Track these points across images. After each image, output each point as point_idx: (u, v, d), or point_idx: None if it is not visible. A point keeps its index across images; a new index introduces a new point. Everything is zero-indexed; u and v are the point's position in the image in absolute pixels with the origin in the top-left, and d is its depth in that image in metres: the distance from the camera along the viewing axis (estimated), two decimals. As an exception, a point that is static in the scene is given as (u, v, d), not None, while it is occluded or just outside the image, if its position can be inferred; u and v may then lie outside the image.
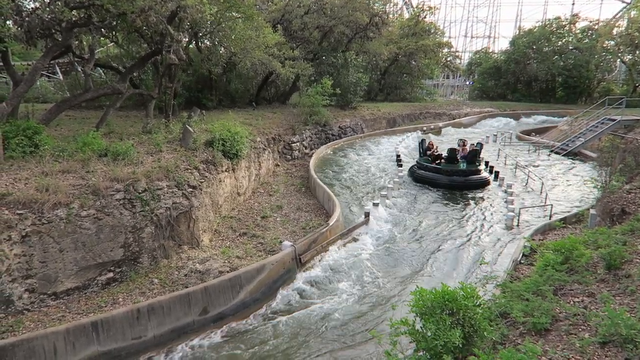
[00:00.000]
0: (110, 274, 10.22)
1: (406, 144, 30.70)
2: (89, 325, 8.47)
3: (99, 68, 23.02)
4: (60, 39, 13.68)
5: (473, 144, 21.96)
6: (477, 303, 6.12)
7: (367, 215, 15.20)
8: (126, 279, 10.39)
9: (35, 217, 9.01)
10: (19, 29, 12.55)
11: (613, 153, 17.19)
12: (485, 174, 20.76)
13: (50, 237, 9.14)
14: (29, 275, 8.94)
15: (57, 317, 8.93)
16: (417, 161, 22.05)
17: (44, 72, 24.00)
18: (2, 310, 8.64)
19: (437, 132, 36.36)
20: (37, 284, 9.07)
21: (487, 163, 23.38)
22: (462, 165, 20.37)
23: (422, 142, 22.58)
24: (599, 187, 15.46)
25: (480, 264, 12.09)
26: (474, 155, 20.52)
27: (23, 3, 13.28)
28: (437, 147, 22.65)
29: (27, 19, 12.47)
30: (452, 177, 19.82)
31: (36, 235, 8.98)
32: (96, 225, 9.81)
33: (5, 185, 9.46)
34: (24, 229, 8.84)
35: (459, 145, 22.15)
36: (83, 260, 9.64)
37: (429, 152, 21.56)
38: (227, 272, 10.80)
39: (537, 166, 24.30)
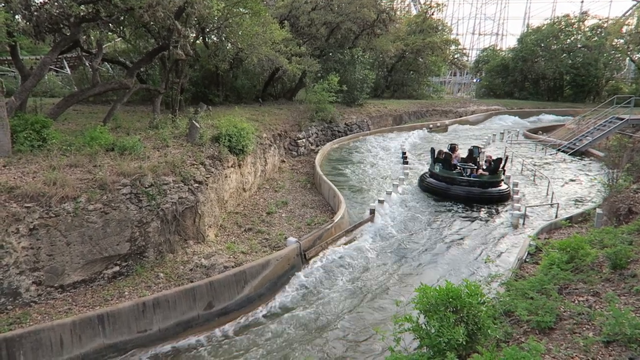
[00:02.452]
0: (117, 268, 10.30)
1: (412, 141, 30.63)
2: (95, 318, 8.55)
3: (106, 63, 23.09)
4: (68, 34, 13.74)
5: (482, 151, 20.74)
6: (481, 301, 6.14)
7: (372, 212, 15.20)
8: (132, 272, 10.47)
9: (43, 211, 9.09)
10: (28, 23, 12.61)
11: (620, 152, 17.09)
12: (505, 185, 18.58)
13: (57, 230, 9.21)
14: (36, 267, 9.03)
15: (63, 309, 9.01)
16: (429, 169, 19.96)
17: (52, 67, 24.10)
18: (10, 302, 8.73)
19: (444, 129, 36.26)
20: (44, 276, 9.16)
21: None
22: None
23: (432, 150, 20.36)
24: (605, 186, 15.38)
25: (485, 262, 12.09)
26: (497, 166, 18.45)
27: (32, -3, 13.36)
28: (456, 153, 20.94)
29: (35, 13, 12.53)
30: (469, 189, 17.85)
31: (44, 229, 9.05)
32: (103, 219, 9.88)
33: (14, 178, 9.55)
34: (32, 222, 8.92)
35: (450, 151, 20.37)
36: (90, 253, 9.72)
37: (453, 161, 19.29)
38: (232, 267, 10.85)
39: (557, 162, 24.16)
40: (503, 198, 17.93)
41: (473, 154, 20.21)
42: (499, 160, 18.68)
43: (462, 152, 21.53)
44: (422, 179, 19.78)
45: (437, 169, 18.85)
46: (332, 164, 23.39)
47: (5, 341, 7.64)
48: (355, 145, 28.01)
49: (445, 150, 20.27)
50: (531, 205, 16.45)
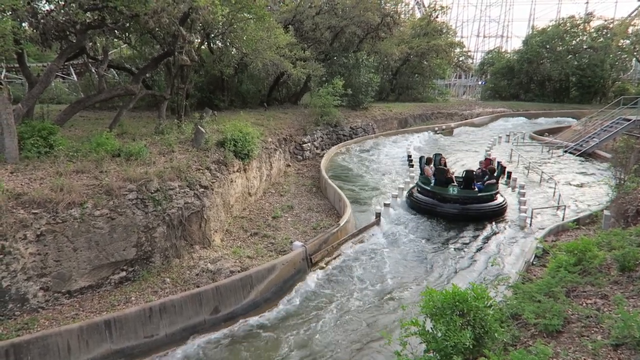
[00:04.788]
0: (123, 273, 10.34)
1: (417, 145, 30.58)
2: (102, 323, 8.58)
3: (112, 69, 23.25)
4: (74, 41, 13.86)
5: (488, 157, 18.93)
6: (488, 304, 6.10)
7: (378, 215, 15.17)
8: (139, 278, 10.50)
9: (50, 217, 9.14)
10: (35, 31, 12.74)
11: (628, 153, 16.97)
12: (500, 199, 16.51)
13: (64, 236, 9.26)
14: (43, 273, 9.08)
15: (71, 315, 9.04)
16: (417, 183, 17.63)
17: (58, 74, 24.30)
18: (18, 308, 8.78)
19: (449, 132, 36.19)
20: (51, 282, 9.20)
21: (499, 163, 23.03)
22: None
23: (421, 159, 18.21)
24: (613, 187, 15.28)
25: (492, 265, 12.02)
26: (468, 177, 16.31)
27: (38, 5, 13.48)
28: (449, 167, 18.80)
29: (42, 21, 12.65)
30: (466, 206, 15.78)
31: (51, 235, 9.10)
32: (109, 224, 9.92)
33: (21, 185, 9.62)
34: (39, 228, 8.97)
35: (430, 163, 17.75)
36: (96, 259, 9.76)
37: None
38: (238, 271, 10.86)
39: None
40: (499, 213, 16.09)
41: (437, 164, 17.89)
42: (496, 167, 16.82)
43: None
44: (410, 194, 17.43)
45: (455, 190, 16.03)
46: (337, 167, 23.37)
47: (13, 347, 7.67)
48: (361, 148, 27.91)
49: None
50: (538, 208, 16.33)
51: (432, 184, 16.49)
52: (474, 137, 34.94)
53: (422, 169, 17.76)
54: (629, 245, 8.18)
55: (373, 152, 27.44)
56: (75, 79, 26.33)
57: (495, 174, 17.13)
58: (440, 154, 18.53)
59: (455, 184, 16.30)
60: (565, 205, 15.87)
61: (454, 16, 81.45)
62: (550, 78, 53.35)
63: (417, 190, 17.09)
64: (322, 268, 12.29)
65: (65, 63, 19.79)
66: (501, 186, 19.96)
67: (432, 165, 17.56)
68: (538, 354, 5.15)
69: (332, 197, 17.26)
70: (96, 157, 11.45)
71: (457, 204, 15.82)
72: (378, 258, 13.04)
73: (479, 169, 17.83)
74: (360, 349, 9.08)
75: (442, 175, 16.34)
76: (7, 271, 8.54)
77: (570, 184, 20.54)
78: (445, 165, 17.75)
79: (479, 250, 13.53)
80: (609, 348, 5.48)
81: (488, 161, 18.00)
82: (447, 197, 15.94)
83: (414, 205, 16.73)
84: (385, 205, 16.18)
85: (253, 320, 10.02)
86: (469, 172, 16.45)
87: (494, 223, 15.52)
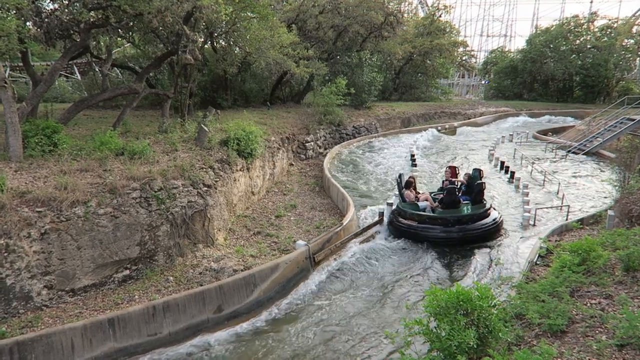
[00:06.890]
0: (127, 272, 10.35)
1: (420, 144, 30.54)
2: (106, 321, 8.60)
3: (116, 68, 23.35)
4: (78, 40, 13.90)
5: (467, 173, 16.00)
6: (492, 304, 6.09)
7: (381, 214, 15.15)
8: (142, 276, 10.51)
9: (54, 215, 9.16)
10: (39, 30, 12.79)
11: (632, 153, 16.92)
12: (494, 214, 14.48)
13: (68, 234, 9.28)
14: (47, 272, 9.10)
15: (74, 313, 9.06)
16: (398, 205, 14.89)
17: (62, 73, 24.35)
18: (22, 306, 8.80)
19: (452, 131, 36.14)
20: (55, 280, 9.23)
21: (502, 163, 23.02)
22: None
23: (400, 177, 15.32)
24: (617, 187, 15.23)
25: (496, 265, 11.99)
26: (480, 190, 14.30)
27: (42, 4, 13.52)
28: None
29: (46, 20, 12.70)
30: (463, 227, 13.73)
31: (55, 233, 9.13)
32: (113, 223, 9.94)
33: (25, 183, 9.65)
34: (43, 227, 9.00)
35: (406, 186, 14.92)
36: (100, 257, 9.78)
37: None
38: (242, 270, 10.86)
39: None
40: (494, 232, 14.17)
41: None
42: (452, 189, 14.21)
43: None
44: (392, 220, 14.66)
45: (469, 209, 14.04)
46: (341, 167, 23.35)
47: (17, 345, 7.70)
48: (364, 147, 27.83)
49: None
50: (541, 207, 16.29)
51: (438, 210, 14.04)
52: (478, 136, 34.88)
53: (402, 195, 14.81)
54: (633, 245, 8.14)
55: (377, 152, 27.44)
56: (79, 77, 26.42)
57: (477, 183, 14.52)
58: (401, 174, 15.50)
59: (467, 202, 14.17)
60: (568, 205, 15.82)
61: (457, 15, 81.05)
62: (553, 77, 53.23)
63: (402, 214, 14.31)
64: (325, 267, 12.28)
65: (69, 62, 19.84)
66: (504, 186, 20.02)
67: (412, 189, 14.96)
68: (542, 353, 5.13)
69: (335, 196, 17.25)
70: (100, 156, 11.47)
71: (464, 225, 13.76)
72: (381, 257, 13.03)
73: (446, 180, 15.58)
74: (364, 348, 9.07)
75: (454, 196, 14.02)
76: (11, 269, 8.56)
77: (574, 184, 20.48)
78: (415, 186, 15.37)
79: (482, 249, 13.48)
80: (613, 348, 5.46)
81: (454, 169, 16.12)
82: (454, 219, 13.78)
83: (401, 234, 14.15)
84: (389, 204, 16.14)
85: (256, 319, 10.03)
86: (479, 185, 14.31)
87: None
